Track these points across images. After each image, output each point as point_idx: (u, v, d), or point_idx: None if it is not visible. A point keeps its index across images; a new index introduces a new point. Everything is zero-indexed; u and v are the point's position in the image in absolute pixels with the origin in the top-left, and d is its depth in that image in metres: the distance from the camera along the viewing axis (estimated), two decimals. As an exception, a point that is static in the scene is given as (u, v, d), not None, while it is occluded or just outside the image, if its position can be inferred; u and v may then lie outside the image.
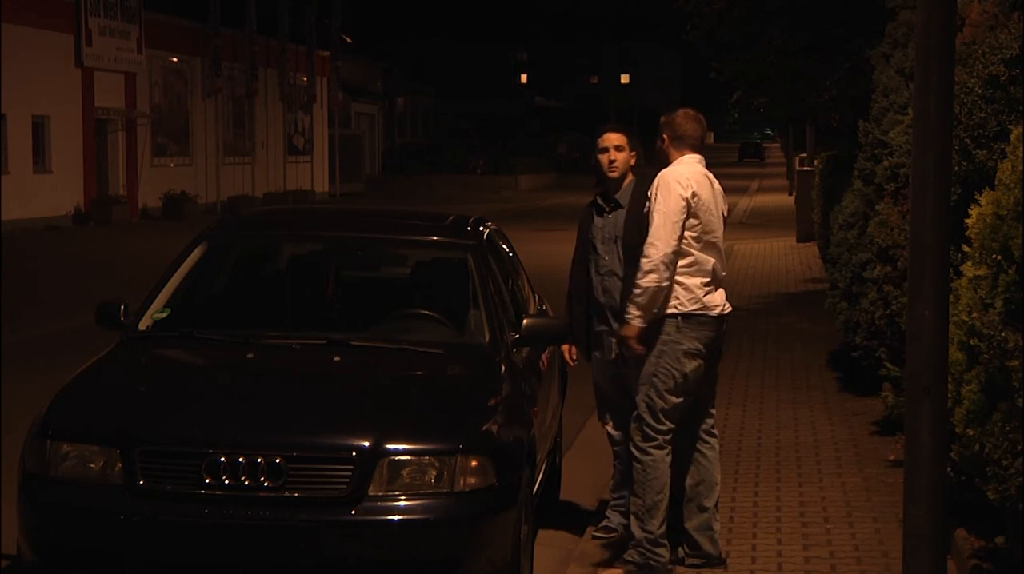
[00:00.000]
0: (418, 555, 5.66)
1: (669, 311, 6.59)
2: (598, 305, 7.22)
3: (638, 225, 6.94)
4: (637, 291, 6.53)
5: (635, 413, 6.69)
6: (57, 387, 6.32)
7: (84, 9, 36.25)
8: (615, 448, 7.35)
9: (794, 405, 10.85)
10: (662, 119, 6.87)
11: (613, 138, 7.22)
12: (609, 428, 7.36)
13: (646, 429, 6.61)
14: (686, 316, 6.59)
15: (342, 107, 54.08)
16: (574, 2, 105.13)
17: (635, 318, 6.57)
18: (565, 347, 7.46)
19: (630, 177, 7.25)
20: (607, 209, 7.22)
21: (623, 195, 7.20)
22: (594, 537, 7.33)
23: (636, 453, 6.65)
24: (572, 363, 7.58)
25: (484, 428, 6.00)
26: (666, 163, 6.76)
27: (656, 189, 6.58)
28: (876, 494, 8.06)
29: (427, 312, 7.15)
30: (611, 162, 7.17)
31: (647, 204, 6.75)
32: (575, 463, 9.00)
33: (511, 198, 50.43)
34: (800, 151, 38.91)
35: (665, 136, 6.79)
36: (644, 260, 6.52)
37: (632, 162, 7.24)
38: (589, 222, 7.29)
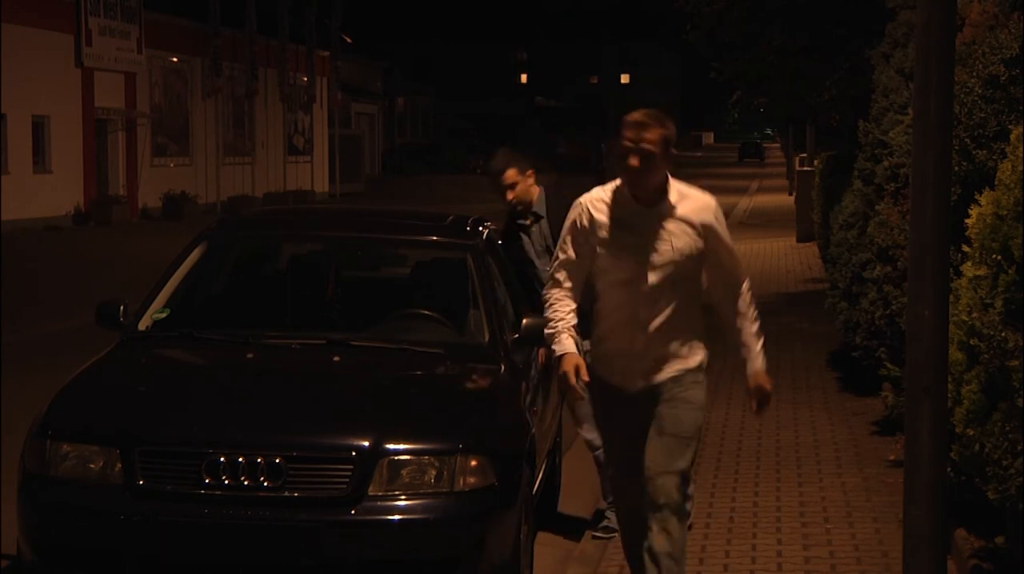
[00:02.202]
0: (418, 555, 5.66)
1: (699, 362, 5.66)
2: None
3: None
4: (762, 341, 5.64)
5: (680, 473, 5.60)
6: (57, 387, 6.32)
7: (84, 9, 36.25)
8: (595, 453, 7.36)
9: (794, 405, 10.85)
10: (658, 126, 5.40)
11: (506, 178, 7.62)
12: (584, 432, 7.34)
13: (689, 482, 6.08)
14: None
15: (342, 107, 54.08)
16: (574, 2, 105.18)
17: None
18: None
19: (537, 190, 7.66)
20: (528, 223, 7.59)
21: (539, 207, 7.61)
22: (594, 537, 7.34)
23: (685, 507, 5.75)
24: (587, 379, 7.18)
25: (484, 428, 6.00)
26: (655, 180, 5.46)
27: (714, 219, 5.49)
28: (876, 494, 8.06)
29: (427, 312, 7.15)
30: (509, 200, 7.61)
31: (697, 240, 5.48)
32: (575, 463, 8.99)
33: (511, 198, 50.32)
34: (800, 151, 38.90)
35: (670, 148, 5.45)
36: (752, 309, 5.61)
37: (530, 179, 7.64)
38: (516, 244, 7.63)
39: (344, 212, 15.27)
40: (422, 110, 73.84)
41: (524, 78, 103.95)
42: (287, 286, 7.70)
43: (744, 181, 60.52)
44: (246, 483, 5.64)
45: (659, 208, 5.45)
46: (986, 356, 5.45)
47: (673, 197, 5.47)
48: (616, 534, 7.28)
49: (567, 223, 5.58)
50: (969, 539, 6.49)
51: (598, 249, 5.48)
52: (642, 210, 5.44)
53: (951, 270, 4.62)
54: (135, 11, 38.97)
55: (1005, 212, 5.46)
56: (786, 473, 8.65)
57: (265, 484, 5.65)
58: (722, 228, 5.55)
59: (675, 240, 5.44)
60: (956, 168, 6.94)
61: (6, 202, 31.51)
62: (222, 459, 5.64)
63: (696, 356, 5.63)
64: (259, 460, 5.65)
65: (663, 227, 5.43)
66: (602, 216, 5.48)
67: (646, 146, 5.35)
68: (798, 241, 27.26)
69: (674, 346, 5.53)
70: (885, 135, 9.23)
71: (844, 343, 11.01)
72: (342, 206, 39.78)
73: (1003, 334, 5.33)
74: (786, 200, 40.12)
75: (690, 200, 5.51)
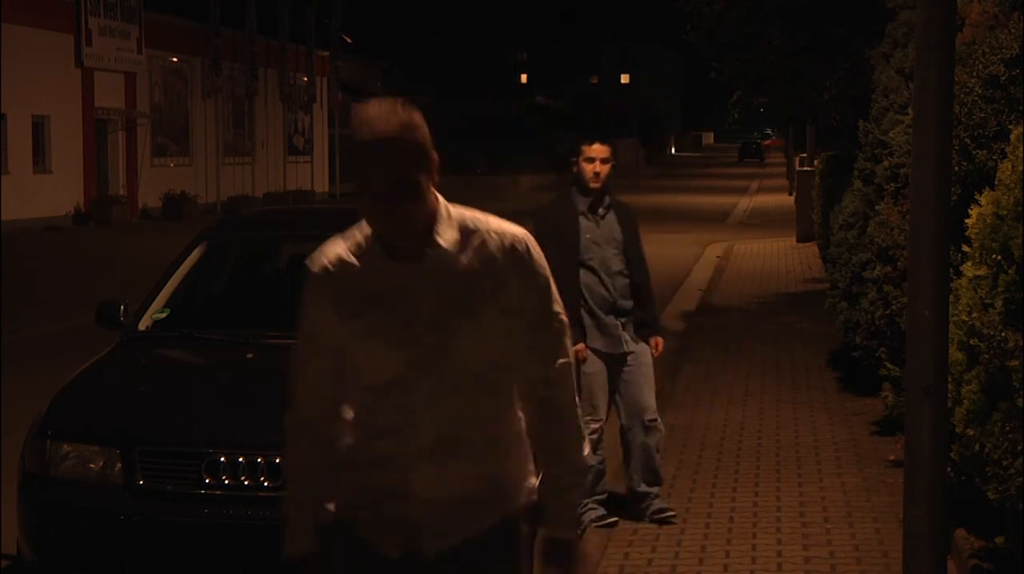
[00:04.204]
0: (418, 555, 5.66)
1: (515, 510, 4.15)
2: (609, 302, 7.36)
3: (630, 230, 7.46)
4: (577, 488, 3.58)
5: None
6: (57, 387, 6.33)
7: (84, 9, 36.27)
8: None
9: (794, 405, 10.85)
10: (416, 122, 3.41)
11: (596, 150, 7.35)
12: (597, 424, 7.38)
13: None
14: None
15: (342, 107, 54.11)
16: (574, 2, 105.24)
17: None
18: (580, 347, 7.40)
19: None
20: (600, 214, 7.44)
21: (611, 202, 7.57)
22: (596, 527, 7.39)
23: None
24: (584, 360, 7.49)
25: (484, 428, 6.00)
26: (423, 213, 3.26)
27: (522, 263, 3.34)
28: (876, 494, 8.06)
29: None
30: (596, 173, 7.34)
31: (497, 298, 3.56)
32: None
33: (511, 198, 50.44)
34: (800, 151, 38.91)
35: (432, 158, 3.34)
36: (571, 422, 3.47)
37: (610, 167, 7.51)
38: (574, 226, 7.38)
39: (344, 212, 15.25)
40: (422, 110, 73.78)
41: (524, 78, 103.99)
42: (287, 286, 7.69)
43: (744, 181, 60.53)
44: (246, 483, 5.64)
45: (428, 260, 3.24)
46: (986, 356, 5.45)
47: (448, 237, 3.26)
48: (616, 520, 7.33)
49: (302, 306, 3.47)
50: (969, 539, 6.49)
51: (344, 338, 3.34)
52: (400, 267, 3.27)
53: (951, 270, 4.62)
54: (135, 11, 38.99)
55: (1005, 212, 5.46)
56: (786, 473, 8.64)
57: (265, 484, 5.65)
58: (537, 276, 3.33)
59: (461, 306, 3.24)
60: (956, 168, 6.94)
61: (6, 202, 31.52)
62: (222, 459, 5.64)
63: (511, 495, 3.41)
64: (259, 460, 5.65)
65: (439, 289, 3.24)
66: (341, 285, 3.36)
67: (406, 160, 3.22)
68: (798, 241, 27.27)
69: (475, 483, 3.32)
70: (885, 135, 9.23)
71: (844, 343, 11.01)
72: (342, 206, 39.77)
73: (1003, 334, 5.33)
74: (786, 200, 40.13)
75: (480, 236, 3.30)
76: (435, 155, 3.31)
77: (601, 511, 7.45)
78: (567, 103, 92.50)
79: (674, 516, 7.47)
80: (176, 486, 5.70)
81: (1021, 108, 7.01)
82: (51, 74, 34.90)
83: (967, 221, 5.82)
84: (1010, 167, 5.56)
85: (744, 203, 44.23)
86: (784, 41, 17.52)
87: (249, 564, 5.65)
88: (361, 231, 3.44)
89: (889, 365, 9.06)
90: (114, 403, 6.20)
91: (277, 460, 5.66)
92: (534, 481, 3.44)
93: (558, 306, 3.37)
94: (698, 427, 9.98)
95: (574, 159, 7.41)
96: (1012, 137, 5.77)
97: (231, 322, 7.21)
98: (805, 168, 29.33)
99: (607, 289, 7.34)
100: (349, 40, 55.23)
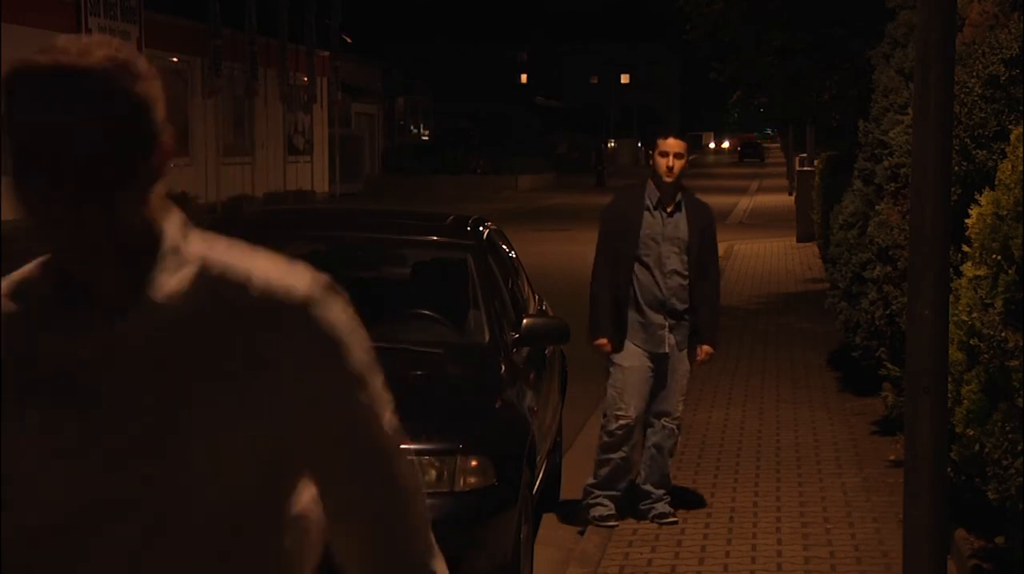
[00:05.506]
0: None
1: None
2: (659, 300, 7.37)
3: (702, 232, 7.40)
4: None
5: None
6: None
7: (84, 9, 36.29)
8: (609, 439, 7.41)
9: (794, 405, 10.85)
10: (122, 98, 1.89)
11: (672, 144, 7.40)
12: (625, 421, 7.37)
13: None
14: None
15: (342, 107, 54.11)
16: (574, 2, 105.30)
17: None
18: (603, 341, 7.39)
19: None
20: (668, 211, 7.42)
21: (683, 200, 7.51)
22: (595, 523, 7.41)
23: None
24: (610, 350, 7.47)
25: (484, 428, 6.00)
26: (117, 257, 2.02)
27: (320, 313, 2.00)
28: (876, 494, 8.06)
29: (427, 312, 7.15)
30: (669, 167, 7.35)
31: (258, 397, 2.73)
32: (575, 463, 9.00)
33: (511, 198, 50.45)
34: (800, 151, 38.91)
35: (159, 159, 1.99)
36: None
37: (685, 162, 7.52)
38: (636, 219, 7.37)
39: (344, 212, 15.27)
40: (422, 110, 73.83)
41: (524, 78, 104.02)
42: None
43: (744, 181, 60.55)
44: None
45: (135, 319, 1.93)
46: (986, 356, 5.46)
47: (172, 282, 2.02)
48: (616, 524, 7.33)
49: None
50: (969, 539, 6.49)
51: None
52: (88, 329, 1.95)
53: (951, 270, 4.62)
54: (135, 11, 38.99)
55: (1005, 212, 5.46)
56: (786, 473, 8.65)
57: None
58: (326, 354, 1.95)
59: (188, 399, 1.90)
60: (956, 168, 6.94)
61: (6, 202, 31.53)
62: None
63: None
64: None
65: (153, 369, 1.91)
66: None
67: (109, 115, 1.87)
68: (798, 241, 27.26)
69: None
70: (885, 135, 9.23)
71: (844, 343, 11.02)
72: (342, 206, 39.80)
73: (1003, 334, 5.33)
74: (786, 200, 40.12)
75: (230, 288, 2.09)
76: (168, 138, 1.96)
77: (610, 510, 7.44)
78: (566, 104, 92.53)
79: (676, 521, 7.48)
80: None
81: (1021, 108, 7.01)
82: (51, 74, 34.90)
83: (967, 221, 5.83)
84: (1010, 167, 5.56)
85: (744, 203, 44.23)
86: (784, 41, 17.53)
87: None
88: (40, 269, 2.12)
89: (889, 365, 9.06)
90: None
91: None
92: None
93: (369, 396, 1.95)
94: (698, 427, 9.99)
95: (651, 152, 7.55)
96: (1012, 137, 5.77)
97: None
98: (805, 168, 29.32)
99: (659, 287, 7.36)
100: (349, 40, 55.27)
